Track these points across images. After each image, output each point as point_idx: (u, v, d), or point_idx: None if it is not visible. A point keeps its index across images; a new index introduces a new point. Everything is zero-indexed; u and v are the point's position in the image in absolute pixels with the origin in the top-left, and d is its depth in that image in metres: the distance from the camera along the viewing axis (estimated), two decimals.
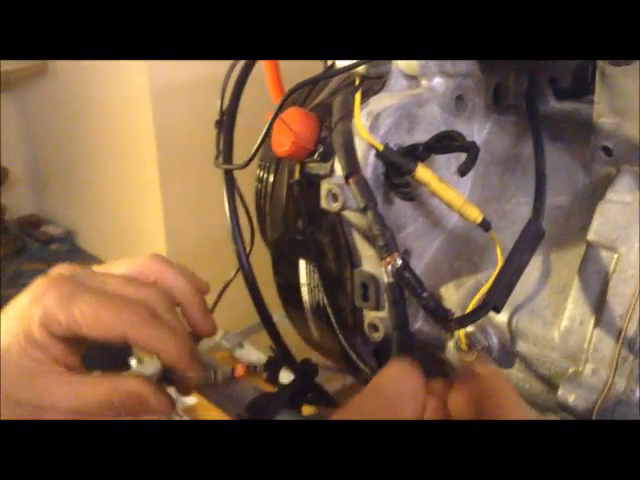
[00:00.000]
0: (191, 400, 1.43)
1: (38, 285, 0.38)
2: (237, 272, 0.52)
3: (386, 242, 0.36)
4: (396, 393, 0.31)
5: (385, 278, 0.37)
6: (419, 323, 0.42)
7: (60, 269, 0.40)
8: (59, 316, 0.36)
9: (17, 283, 1.58)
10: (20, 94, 1.75)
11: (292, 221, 0.46)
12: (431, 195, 0.40)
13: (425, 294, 0.37)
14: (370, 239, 0.41)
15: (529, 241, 0.38)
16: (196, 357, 0.39)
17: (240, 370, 0.36)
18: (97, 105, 1.50)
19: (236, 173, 0.47)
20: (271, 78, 0.51)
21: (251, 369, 0.35)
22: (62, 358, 0.38)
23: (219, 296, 0.53)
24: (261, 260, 0.57)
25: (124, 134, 1.46)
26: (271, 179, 0.50)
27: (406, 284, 0.36)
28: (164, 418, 0.40)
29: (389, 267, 0.36)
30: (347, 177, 0.36)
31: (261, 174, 0.52)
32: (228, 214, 0.42)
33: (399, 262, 0.36)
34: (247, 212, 0.51)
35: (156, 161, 1.38)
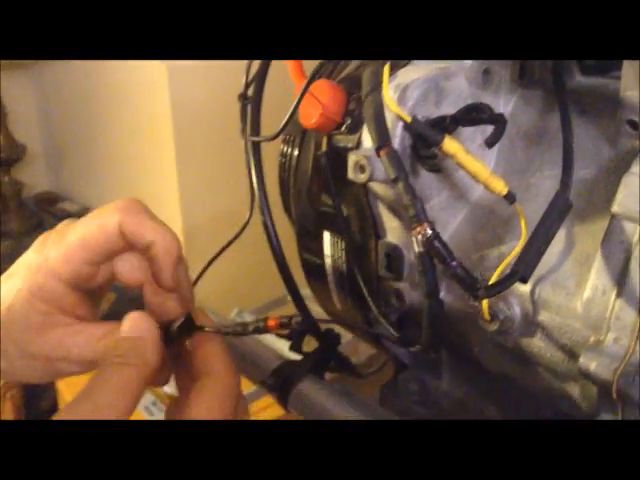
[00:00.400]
0: None
1: (38, 241, 0.39)
2: (228, 245, 0.53)
3: (417, 212, 0.36)
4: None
5: (415, 247, 0.38)
6: (442, 293, 0.43)
7: (63, 224, 0.40)
8: (59, 252, 0.37)
9: None
10: (37, 71, 1.76)
11: (317, 193, 0.47)
12: (457, 167, 0.41)
13: (454, 263, 0.37)
14: (396, 210, 0.42)
15: (557, 213, 0.39)
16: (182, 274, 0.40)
17: (272, 322, 0.36)
18: (114, 81, 1.50)
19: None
20: None
21: (284, 323, 0.36)
22: (71, 308, 0.39)
23: (207, 265, 0.54)
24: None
25: (140, 111, 1.47)
26: (296, 153, 0.51)
27: (436, 253, 0.37)
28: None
29: (419, 237, 0.37)
30: (378, 149, 0.37)
31: (285, 149, 0.53)
32: (255, 186, 0.43)
33: (429, 232, 0.37)
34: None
35: (172, 137, 1.39)
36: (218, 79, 1.30)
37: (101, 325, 0.39)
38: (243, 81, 0.49)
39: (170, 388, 1.51)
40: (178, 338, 0.37)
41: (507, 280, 0.37)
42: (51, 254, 0.37)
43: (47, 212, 1.74)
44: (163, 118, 1.39)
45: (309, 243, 0.50)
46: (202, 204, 1.45)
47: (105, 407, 0.31)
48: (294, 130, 0.51)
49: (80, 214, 1.72)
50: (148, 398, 1.39)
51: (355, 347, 0.61)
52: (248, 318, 1.30)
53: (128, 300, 1.58)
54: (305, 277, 0.51)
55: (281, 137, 0.52)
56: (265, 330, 0.36)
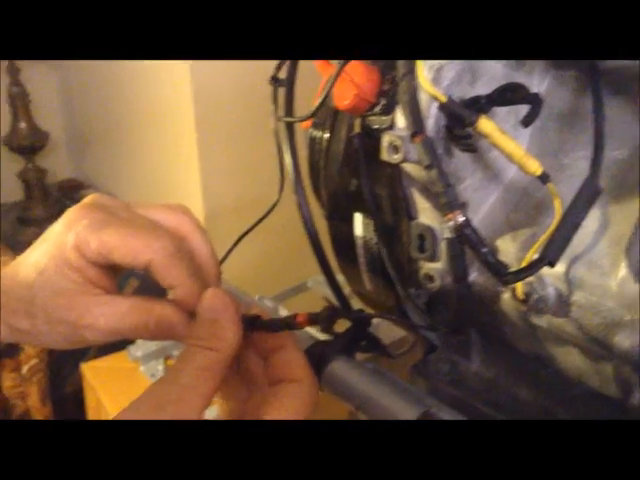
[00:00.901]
0: None
1: (72, 212, 0.40)
2: (257, 223, 0.54)
3: (449, 200, 0.37)
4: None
5: (446, 234, 0.38)
6: (474, 275, 0.43)
7: (93, 198, 0.41)
8: (90, 242, 0.38)
9: None
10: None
11: (349, 175, 0.47)
12: (490, 148, 0.41)
13: (484, 250, 0.38)
14: (428, 191, 0.42)
15: (586, 198, 0.39)
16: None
17: (301, 317, 0.37)
18: (136, 68, 1.51)
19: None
20: None
21: (312, 319, 0.36)
22: (97, 280, 0.39)
23: (234, 244, 0.54)
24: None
25: (162, 97, 1.48)
26: (326, 136, 0.51)
27: (466, 240, 0.37)
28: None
29: (450, 224, 0.37)
30: (413, 135, 0.37)
31: (314, 133, 0.53)
32: (289, 166, 0.43)
33: (461, 219, 0.37)
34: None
35: (194, 124, 1.40)
36: (240, 65, 1.30)
37: (127, 298, 0.40)
38: (275, 64, 0.49)
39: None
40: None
41: (535, 265, 0.38)
42: (80, 234, 0.38)
43: (70, 199, 1.76)
44: (185, 104, 1.40)
45: (340, 225, 0.50)
46: (224, 190, 1.46)
47: (189, 389, 0.32)
48: (324, 113, 0.51)
49: None
50: None
51: (386, 328, 0.62)
52: (269, 304, 1.31)
53: (151, 286, 1.60)
54: (335, 257, 0.52)
55: (310, 121, 0.52)
56: (295, 326, 0.37)
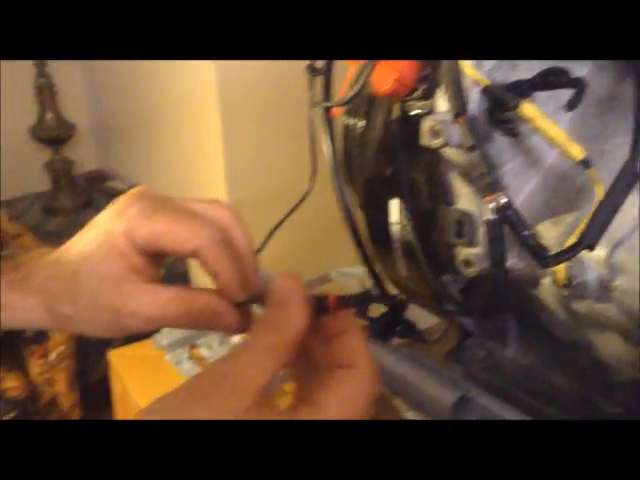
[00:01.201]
0: None
1: (121, 201, 0.40)
2: (290, 213, 0.54)
3: (492, 181, 0.37)
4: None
5: (487, 216, 0.38)
6: (513, 260, 0.43)
7: (141, 188, 0.41)
8: (140, 228, 0.38)
9: None
10: None
11: (385, 162, 0.47)
12: (530, 133, 0.41)
13: (526, 232, 0.38)
14: (468, 176, 0.42)
15: (625, 183, 0.38)
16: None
17: (332, 299, 0.36)
18: (161, 61, 1.52)
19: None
20: None
21: (342, 301, 0.36)
22: (142, 268, 0.40)
23: (269, 236, 0.55)
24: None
25: (187, 89, 1.49)
26: (361, 123, 0.52)
27: (508, 222, 0.37)
28: (238, 335, 0.42)
29: (492, 205, 0.37)
30: (456, 116, 0.37)
31: (348, 121, 0.53)
32: (328, 153, 0.43)
33: (503, 201, 0.37)
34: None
35: (219, 115, 1.40)
36: None
37: (170, 287, 0.40)
38: None
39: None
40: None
41: (574, 248, 0.38)
42: (129, 221, 0.38)
43: (97, 190, 1.78)
44: (210, 96, 1.40)
45: (375, 212, 0.50)
46: (247, 182, 1.47)
47: (250, 365, 0.32)
48: (358, 101, 0.51)
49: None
50: (196, 370, 1.43)
51: (419, 314, 0.62)
52: None
53: (176, 275, 1.62)
54: (371, 244, 0.52)
55: (344, 109, 0.53)
56: (326, 309, 0.36)
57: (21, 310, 0.42)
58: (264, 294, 0.37)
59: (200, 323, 0.41)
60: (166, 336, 1.50)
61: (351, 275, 1.34)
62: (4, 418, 1.54)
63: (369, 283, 1.14)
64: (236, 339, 1.52)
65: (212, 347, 1.46)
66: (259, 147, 1.46)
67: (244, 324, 0.41)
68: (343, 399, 0.32)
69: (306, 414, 0.31)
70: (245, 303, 0.39)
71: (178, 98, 1.53)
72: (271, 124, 1.43)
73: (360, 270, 1.37)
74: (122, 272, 0.39)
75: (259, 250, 0.51)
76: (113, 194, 1.78)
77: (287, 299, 0.34)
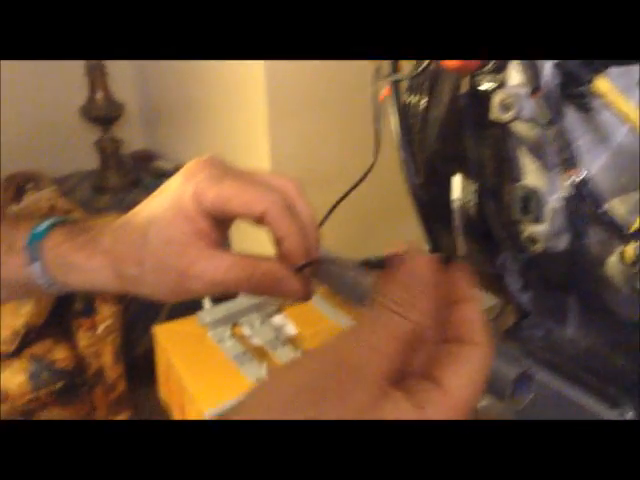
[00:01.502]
0: (293, 330, 1.50)
1: (190, 166, 0.41)
2: (351, 190, 0.54)
3: (569, 156, 0.36)
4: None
5: (562, 191, 0.38)
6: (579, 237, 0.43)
7: (210, 156, 0.42)
8: (209, 191, 0.39)
9: None
10: None
11: (450, 137, 0.47)
12: (600, 110, 0.40)
13: (602, 208, 0.38)
14: (538, 152, 0.42)
15: None
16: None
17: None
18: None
19: None
20: None
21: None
22: (209, 233, 0.41)
23: (329, 211, 0.55)
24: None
25: (235, 71, 1.50)
26: (424, 99, 0.52)
27: (584, 198, 0.37)
28: (299, 302, 0.42)
29: (569, 181, 0.37)
30: (533, 91, 0.37)
31: (410, 98, 0.53)
32: (394, 126, 0.44)
33: (581, 176, 0.37)
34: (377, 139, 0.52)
35: (265, 97, 1.41)
36: None
37: (233, 253, 0.41)
38: None
39: (259, 340, 1.55)
40: None
41: None
42: (199, 185, 0.40)
43: (144, 170, 1.82)
44: (257, 78, 1.41)
45: (436, 188, 0.51)
46: (292, 163, 1.48)
47: (378, 353, 0.28)
48: (421, 77, 0.51)
49: (174, 172, 1.78)
50: (238, 348, 1.45)
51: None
52: None
53: None
54: (431, 221, 0.52)
55: (405, 87, 0.53)
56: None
57: (89, 271, 0.43)
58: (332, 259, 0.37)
59: (261, 289, 0.41)
60: (209, 314, 1.53)
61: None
62: (52, 388, 1.60)
63: None
64: (277, 320, 1.54)
65: (254, 326, 1.48)
66: (304, 130, 1.46)
67: (305, 292, 0.42)
68: (464, 378, 0.29)
69: (434, 395, 0.28)
70: (307, 266, 0.40)
71: (225, 80, 1.54)
72: (316, 107, 1.43)
73: None
74: (189, 236, 0.40)
75: (320, 224, 0.52)
76: (159, 174, 1.82)
77: (421, 285, 0.30)
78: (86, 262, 0.43)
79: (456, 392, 0.28)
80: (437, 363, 0.29)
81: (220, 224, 0.42)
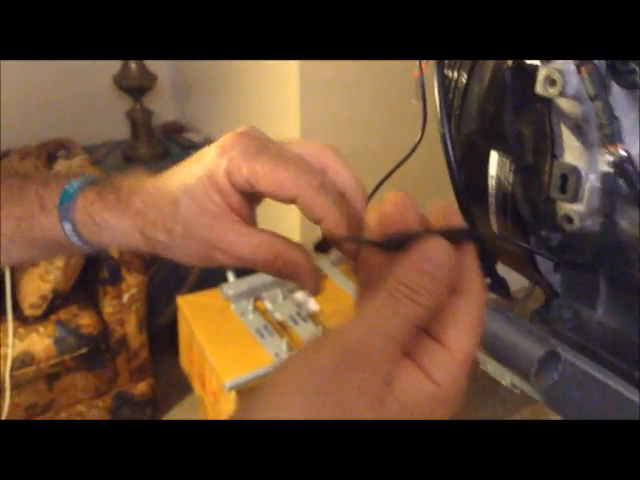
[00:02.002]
0: (315, 306, 1.51)
1: (226, 139, 0.41)
2: (397, 167, 0.54)
3: (613, 132, 0.36)
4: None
5: (603, 168, 0.38)
6: (615, 217, 0.43)
7: (246, 129, 0.42)
8: (242, 168, 0.39)
9: None
10: None
11: (491, 112, 0.47)
12: None
13: None
14: (580, 129, 0.41)
15: None
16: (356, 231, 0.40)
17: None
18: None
19: None
20: None
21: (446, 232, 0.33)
22: (239, 208, 0.41)
23: (375, 188, 0.55)
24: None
25: None
26: (464, 75, 0.51)
27: (626, 176, 0.37)
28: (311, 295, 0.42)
29: (611, 157, 0.37)
30: (580, 65, 0.36)
31: (449, 73, 0.53)
32: (438, 99, 0.43)
33: (623, 153, 0.36)
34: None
35: (297, 73, 1.41)
36: None
37: (260, 233, 0.42)
38: None
39: (281, 315, 1.58)
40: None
41: None
42: (233, 160, 0.39)
43: (173, 141, 1.83)
44: None
45: (473, 165, 0.50)
46: (323, 137, 1.47)
47: (392, 341, 0.28)
48: None
49: (203, 144, 1.80)
50: (260, 321, 1.46)
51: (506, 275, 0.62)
52: None
53: None
54: (463, 200, 0.52)
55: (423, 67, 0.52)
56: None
57: (118, 231, 0.44)
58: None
59: (280, 273, 0.41)
60: (232, 287, 1.54)
61: None
62: (77, 353, 1.63)
63: None
64: (299, 295, 1.55)
65: (276, 301, 1.50)
66: (335, 103, 1.46)
67: (316, 288, 0.42)
68: (469, 331, 0.29)
69: (440, 357, 0.29)
70: (356, 240, 0.39)
71: None
72: (349, 81, 1.43)
73: None
74: (220, 209, 0.41)
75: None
76: (189, 146, 1.83)
77: (438, 272, 0.29)
78: (116, 222, 0.44)
79: (460, 348, 0.29)
80: (437, 319, 0.29)
81: (252, 200, 0.43)
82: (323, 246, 0.41)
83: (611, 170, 0.37)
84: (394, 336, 0.28)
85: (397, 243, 0.32)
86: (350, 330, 0.29)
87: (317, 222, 0.40)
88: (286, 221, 1.58)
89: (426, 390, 0.28)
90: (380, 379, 0.28)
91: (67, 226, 0.45)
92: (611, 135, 0.36)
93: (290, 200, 0.39)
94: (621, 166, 0.36)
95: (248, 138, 0.41)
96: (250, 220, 0.43)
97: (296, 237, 1.58)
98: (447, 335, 0.29)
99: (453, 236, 0.32)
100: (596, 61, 0.38)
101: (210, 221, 0.41)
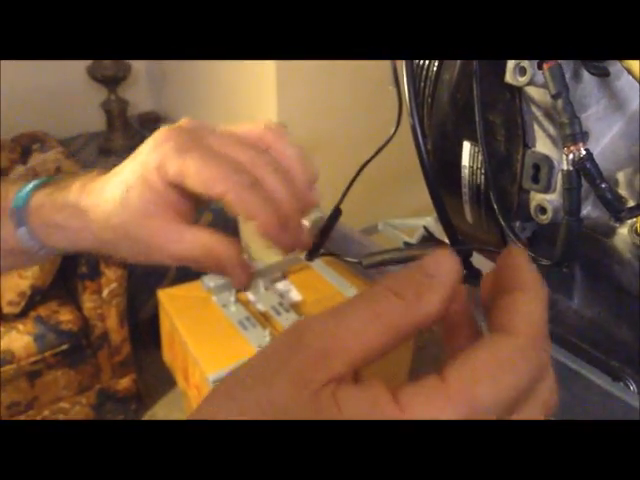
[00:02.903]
0: (297, 296, 1.50)
1: (160, 133, 0.40)
2: (373, 156, 0.53)
3: (573, 131, 0.35)
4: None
5: (565, 166, 0.37)
6: (588, 208, 0.42)
7: (183, 122, 0.41)
8: (171, 165, 0.37)
9: None
10: None
11: (462, 101, 0.46)
12: (617, 76, 0.39)
13: (603, 185, 0.37)
14: (551, 119, 0.41)
15: None
16: (296, 226, 0.40)
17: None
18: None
19: None
20: None
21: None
22: (175, 205, 0.40)
23: (353, 180, 0.54)
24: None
25: None
26: (435, 64, 0.50)
27: (586, 174, 0.36)
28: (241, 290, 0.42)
29: (571, 156, 0.36)
30: (542, 62, 0.36)
31: (422, 62, 0.52)
32: (407, 89, 0.42)
33: (583, 152, 0.36)
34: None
35: (274, 61, 1.39)
36: None
37: (194, 230, 0.40)
38: None
39: (263, 306, 1.57)
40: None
41: None
42: (163, 156, 0.38)
43: (150, 132, 1.80)
44: None
45: (445, 155, 0.49)
46: (300, 128, 1.46)
47: (351, 330, 0.24)
48: None
49: None
50: (242, 313, 1.46)
51: (478, 261, 0.61)
52: None
53: (224, 222, 1.64)
54: (434, 190, 0.51)
55: None
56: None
57: (70, 232, 0.43)
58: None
59: (215, 270, 0.41)
60: (213, 279, 1.53)
61: (398, 226, 1.34)
62: (57, 350, 1.61)
63: (417, 233, 1.13)
64: (282, 286, 1.55)
65: (258, 291, 1.49)
66: (312, 92, 1.44)
67: (246, 284, 0.42)
68: (536, 320, 0.25)
69: (505, 343, 0.23)
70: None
71: None
72: (325, 69, 1.41)
73: (406, 222, 1.37)
74: (154, 207, 0.39)
75: (343, 197, 0.51)
76: None
77: (433, 281, 0.25)
78: (67, 223, 0.43)
79: (529, 336, 0.24)
80: (502, 311, 0.25)
81: (193, 197, 0.41)
82: (313, 253, 0.41)
83: (571, 167, 0.36)
84: (357, 330, 0.24)
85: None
86: (310, 320, 0.25)
87: (248, 220, 0.38)
88: None
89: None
90: (324, 374, 0.23)
91: (21, 231, 0.43)
92: (572, 135, 0.35)
93: (218, 199, 0.38)
94: (581, 165, 0.35)
95: (182, 132, 0.39)
96: (188, 217, 0.41)
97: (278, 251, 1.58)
98: (513, 323, 0.24)
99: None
100: None
101: (143, 221, 0.40)
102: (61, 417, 1.71)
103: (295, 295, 1.53)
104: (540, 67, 0.37)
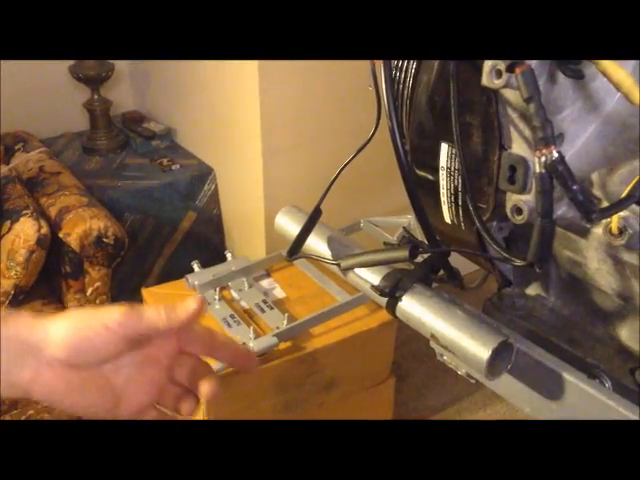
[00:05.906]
0: (281, 294, 1.50)
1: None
2: (354, 156, 0.54)
3: (545, 135, 0.36)
4: None
5: (537, 169, 0.38)
6: (563, 209, 0.43)
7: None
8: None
9: (122, 176, 1.67)
10: None
11: (439, 104, 0.47)
12: (592, 77, 0.40)
13: (575, 187, 0.37)
14: (527, 121, 0.41)
15: None
16: None
17: None
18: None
19: None
20: None
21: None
22: None
23: (334, 179, 0.55)
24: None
25: None
26: (414, 65, 0.51)
27: (558, 177, 0.37)
28: None
29: (543, 159, 0.37)
30: (512, 66, 0.36)
31: (400, 63, 0.52)
32: (385, 92, 0.43)
33: (555, 155, 0.36)
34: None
35: (256, 63, 1.39)
36: None
37: None
38: None
39: (247, 303, 1.55)
40: None
41: (622, 203, 0.37)
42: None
43: (134, 131, 1.79)
44: None
45: (424, 156, 0.50)
46: (283, 126, 1.46)
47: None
48: None
49: (164, 134, 1.78)
50: (226, 311, 1.45)
51: (456, 261, 0.62)
52: None
53: (207, 219, 1.63)
54: (412, 190, 0.51)
55: None
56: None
57: None
58: None
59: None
60: (197, 277, 1.52)
61: (380, 224, 1.34)
62: None
63: (398, 232, 1.13)
64: (265, 283, 1.54)
65: (242, 289, 1.48)
66: (295, 92, 1.44)
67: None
68: None
69: None
70: None
71: None
72: (308, 69, 1.41)
73: (388, 220, 1.37)
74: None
75: (325, 194, 0.52)
76: (150, 136, 1.79)
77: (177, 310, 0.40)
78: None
79: None
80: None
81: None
82: (293, 254, 0.42)
83: (544, 171, 0.37)
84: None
85: None
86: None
87: None
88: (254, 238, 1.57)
89: None
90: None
91: None
92: (543, 138, 0.36)
93: None
94: (553, 168, 0.36)
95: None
96: None
97: (262, 249, 1.58)
98: None
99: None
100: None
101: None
102: (46, 417, 1.69)
103: (279, 292, 1.53)
104: (512, 70, 0.37)
